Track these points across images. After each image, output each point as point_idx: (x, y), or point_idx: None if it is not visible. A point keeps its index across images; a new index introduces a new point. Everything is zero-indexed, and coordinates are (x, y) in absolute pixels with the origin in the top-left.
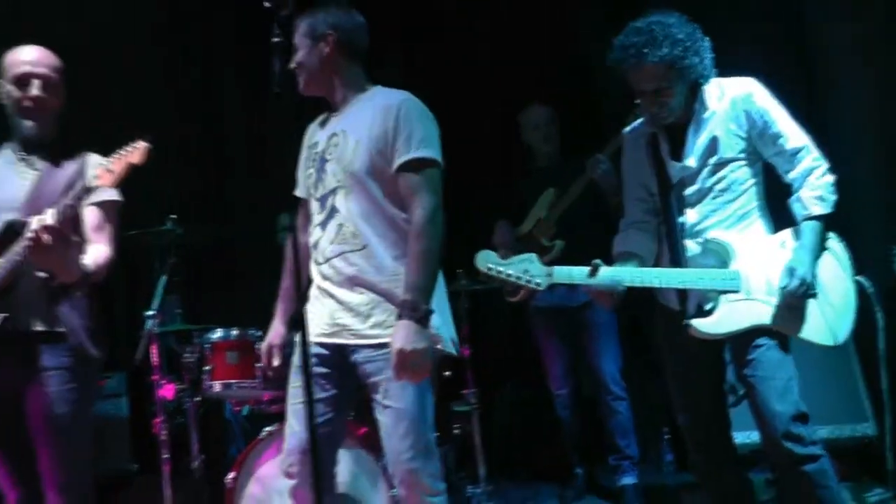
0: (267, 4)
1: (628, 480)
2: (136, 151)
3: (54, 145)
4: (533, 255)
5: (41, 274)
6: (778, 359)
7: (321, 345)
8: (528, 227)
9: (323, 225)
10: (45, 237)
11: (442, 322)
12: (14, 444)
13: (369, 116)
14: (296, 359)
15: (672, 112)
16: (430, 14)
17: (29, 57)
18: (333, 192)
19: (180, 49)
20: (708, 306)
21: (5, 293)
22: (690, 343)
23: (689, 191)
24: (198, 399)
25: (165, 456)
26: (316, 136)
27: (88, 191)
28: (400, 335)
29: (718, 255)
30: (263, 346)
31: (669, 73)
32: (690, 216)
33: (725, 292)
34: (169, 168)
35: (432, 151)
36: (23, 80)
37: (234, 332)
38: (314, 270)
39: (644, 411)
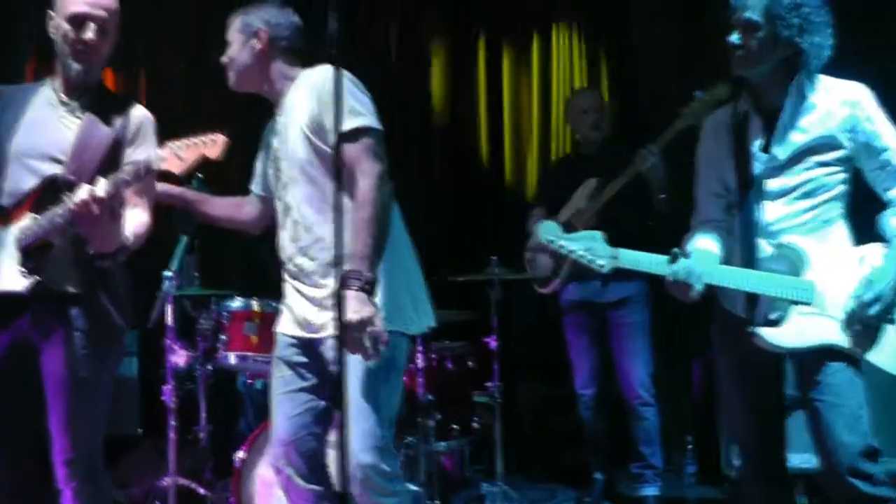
0: None
1: (650, 491)
2: (214, 145)
3: (98, 91)
4: (598, 234)
5: (78, 239)
6: (848, 384)
7: (295, 337)
8: (565, 217)
9: (283, 224)
10: (94, 208)
11: (402, 299)
12: (14, 403)
13: (297, 102)
14: (277, 350)
15: (751, 64)
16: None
17: None
18: (285, 187)
19: None
20: (774, 315)
21: (40, 251)
22: (752, 353)
23: (771, 185)
24: (209, 368)
25: (172, 423)
26: (269, 136)
27: (149, 171)
28: (345, 308)
29: (791, 263)
30: None
31: (768, 17)
32: (769, 213)
33: (797, 303)
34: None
35: (365, 119)
36: (78, 20)
37: (255, 303)
38: (283, 270)
39: (670, 419)
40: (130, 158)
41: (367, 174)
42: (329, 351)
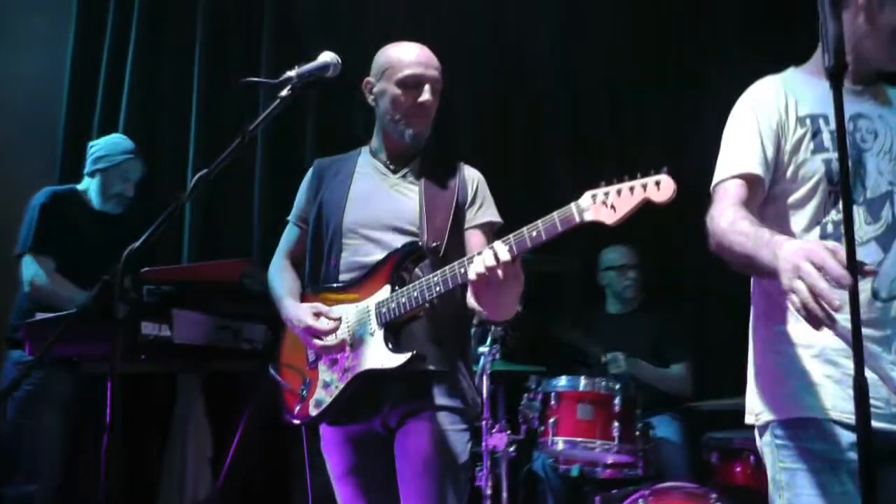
0: None
1: None
2: (659, 188)
3: (425, 155)
4: None
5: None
6: None
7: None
8: None
9: (883, 242)
10: (499, 273)
11: None
12: (380, 484)
13: None
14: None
15: None
16: None
17: (418, 57)
18: (890, 197)
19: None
20: None
21: (403, 325)
22: None
23: None
24: (512, 449)
25: None
26: (816, 104)
27: (567, 223)
28: None
29: None
30: None
31: None
32: None
33: None
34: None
35: None
36: (411, 83)
37: (584, 381)
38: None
39: None
40: (475, 221)
41: None
42: None
